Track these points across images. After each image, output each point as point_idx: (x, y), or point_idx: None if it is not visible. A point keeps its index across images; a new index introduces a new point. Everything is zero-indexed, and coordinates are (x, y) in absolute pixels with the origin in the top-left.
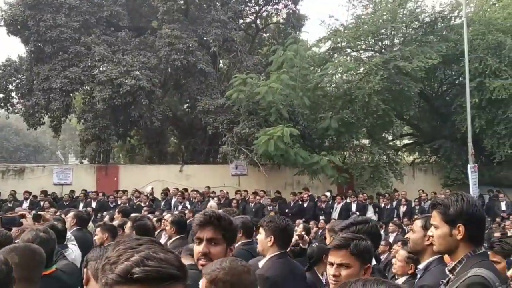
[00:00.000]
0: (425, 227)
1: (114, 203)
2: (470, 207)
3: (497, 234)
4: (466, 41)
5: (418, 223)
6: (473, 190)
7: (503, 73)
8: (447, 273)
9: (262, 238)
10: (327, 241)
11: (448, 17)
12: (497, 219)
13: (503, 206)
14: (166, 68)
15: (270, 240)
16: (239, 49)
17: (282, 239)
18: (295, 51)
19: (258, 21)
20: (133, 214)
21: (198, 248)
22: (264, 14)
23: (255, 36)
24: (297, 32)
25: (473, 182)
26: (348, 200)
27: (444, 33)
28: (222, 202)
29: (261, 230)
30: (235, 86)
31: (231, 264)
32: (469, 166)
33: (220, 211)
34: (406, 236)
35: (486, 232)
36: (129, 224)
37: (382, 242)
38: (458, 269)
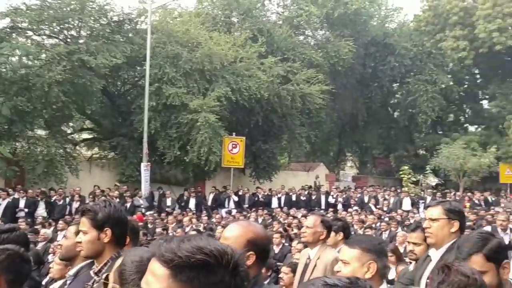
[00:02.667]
0: None
1: None
2: (116, 212)
3: (158, 230)
4: (149, 47)
5: (71, 229)
6: (145, 187)
7: (178, 82)
8: (92, 275)
9: None
10: None
11: (135, 20)
12: (162, 214)
13: (168, 202)
14: None
15: None
16: None
17: None
18: None
19: None
20: None
21: None
22: None
23: None
24: None
25: (145, 179)
26: (16, 196)
27: (130, 35)
28: None
29: None
30: None
31: None
32: (142, 164)
33: None
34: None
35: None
36: None
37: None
38: (103, 271)
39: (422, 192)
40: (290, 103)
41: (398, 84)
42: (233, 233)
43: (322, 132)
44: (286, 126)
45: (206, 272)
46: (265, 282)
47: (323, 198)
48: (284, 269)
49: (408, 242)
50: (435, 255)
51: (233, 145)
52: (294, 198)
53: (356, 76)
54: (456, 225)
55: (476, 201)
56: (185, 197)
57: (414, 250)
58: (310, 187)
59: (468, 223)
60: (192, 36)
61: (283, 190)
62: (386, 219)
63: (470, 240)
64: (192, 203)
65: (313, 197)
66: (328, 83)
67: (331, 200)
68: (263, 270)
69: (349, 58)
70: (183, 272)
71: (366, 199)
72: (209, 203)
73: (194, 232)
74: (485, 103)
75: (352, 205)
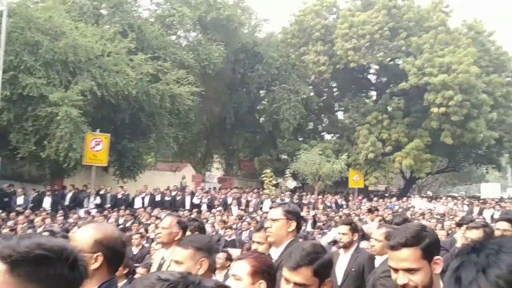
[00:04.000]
0: None
1: None
2: None
3: (5, 231)
4: (4, 31)
5: None
6: None
7: (37, 71)
8: None
9: None
10: None
11: None
12: (12, 214)
13: (20, 200)
14: None
15: None
16: None
17: None
18: None
19: None
20: None
21: None
22: None
23: None
24: None
25: None
26: None
27: None
28: None
29: None
30: None
31: None
32: None
33: None
34: None
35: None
36: None
37: None
38: None
39: (282, 194)
40: (159, 102)
41: (265, 91)
42: (80, 234)
43: (190, 133)
44: (154, 125)
45: (45, 267)
46: (122, 283)
47: (188, 198)
48: (140, 270)
49: (253, 242)
50: (275, 253)
51: (96, 142)
52: (158, 198)
53: (226, 80)
54: (293, 225)
55: (328, 204)
56: (39, 196)
57: (257, 249)
58: (176, 187)
59: (319, 224)
60: (55, 24)
61: (147, 190)
62: (248, 219)
63: (300, 250)
64: (47, 202)
65: (178, 198)
66: (198, 85)
67: (195, 200)
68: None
69: (219, 62)
70: (21, 267)
71: (229, 200)
72: (67, 202)
73: (46, 233)
74: (340, 114)
75: (216, 206)
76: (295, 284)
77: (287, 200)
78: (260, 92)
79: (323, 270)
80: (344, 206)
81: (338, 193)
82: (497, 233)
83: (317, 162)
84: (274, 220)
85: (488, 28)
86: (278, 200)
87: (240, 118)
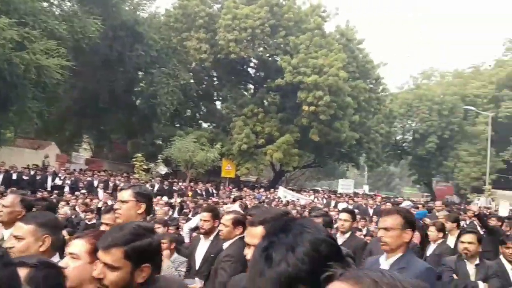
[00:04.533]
0: None
1: None
2: None
3: None
4: None
5: None
6: None
7: None
8: None
9: None
10: None
11: None
12: None
13: None
14: None
15: None
16: None
17: None
18: None
19: None
20: None
21: None
22: None
23: None
24: None
25: None
26: None
27: None
28: None
29: None
30: None
31: None
32: None
33: None
34: None
35: None
36: None
37: None
38: None
39: (152, 180)
40: (22, 73)
41: (143, 73)
42: None
43: (57, 109)
44: (16, 97)
45: None
46: None
47: (49, 179)
48: None
49: (101, 223)
50: None
51: None
52: (14, 177)
53: (102, 57)
54: (143, 207)
55: (199, 191)
56: None
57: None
58: (37, 166)
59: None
60: None
61: (2, 168)
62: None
63: (117, 230)
64: None
65: (38, 177)
66: (70, 59)
67: (58, 181)
68: None
69: (95, 37)
70: None
71: (95, 183)
72: None
73: None
74: (218, 104)
75: (80, 188)
76: (105, 264)
77: (157, 185)
78: (139, 73)
79: (138, 255)
80: (215, 195)
81: (211, 181)
82: (339, 223)
83: (191, 149)
84: (123, 201)
85: (358, 36)
86: (148, 186)
87: (115, 98)
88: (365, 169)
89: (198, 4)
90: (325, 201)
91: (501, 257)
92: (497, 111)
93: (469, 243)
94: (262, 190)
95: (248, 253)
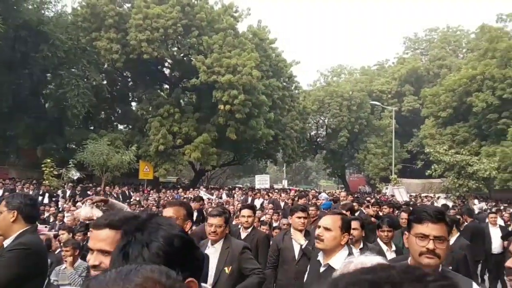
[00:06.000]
0: None
1: None
2: None
3: None
4: None
5: None
6: None
7: None
8: None
9: None
10: None
11: None
12: None
13: None
14: None
15: None
16: None
17: None
18: None
19: None
20: None
21: None
22: None
23: None
24: None
25: None
26: None
27: None
28: None
29: None
30: None
31: None
32: None
33: None
34: None
35: None
36: None
37: None
38: None
39: (65, 186)
40: None
41: (50, 74)
42: None
43: None
44: None
45: None
46: None
47: None
48: None
49: None
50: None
51: None
52: None
53: (3, 58)
54: (15, 214)
55: (115, 195)
56: None
57: None
58: None
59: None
60: None
61: None
62: None
63: None
64: None
65: None
66: None
67: None
68: None
69: None
70: None
71: (0, 192)
72: None
73: None
74: (134, 105)
75: None
76: None
77: (68, 191)
78: (46, 75)
79: None
80: (132, 198)
81: (128, 184)
82: (242, 219)
83: (105, 152)
84: None
85: (270, 35)
86: (59, 192)
87: (20, 101)
88: (283, 165)
89: (107, 3)
90: (243, 197)
91: (378, 239)
92: (400, 105)
93: (354, 229)
94: (180, 190)
95: (90, 259)
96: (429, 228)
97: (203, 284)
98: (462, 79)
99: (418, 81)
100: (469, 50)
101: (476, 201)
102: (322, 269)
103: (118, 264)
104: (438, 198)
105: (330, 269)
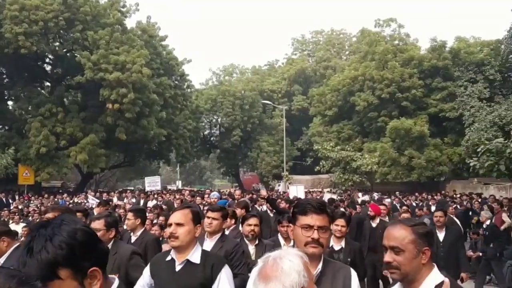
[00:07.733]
0: None
1: None
2: None
3: None
4: None
5: None
6: None
7: None
8: None
9: None
10: None
11: None
12: None
13: None
14: None
15: None
16: None
17: None
18: None
19: None
20: None
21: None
22: None
23: None
24: None
25: None
26: None
27: None
28: None
29: None
30: None
31: None
32: None
33: None
34: None
35: None
36: None
37: None
38: None
39: None
40: None
41: None
42: None
43: None
44: None
45: None
46: None
47: None
48: None
49: None
50: None
51: None
52: None
53: None
54: None
55: None
56: None
57: None
58: None
59: None
60: None
61: None
62: None
63: None
64: None
65: None
66: None
67: None
68: None
69: None
70: None
71: None
72: None
73: None
74: (10, 104)
75: None
76: None
77: None
78: None
79: None
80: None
81: (7, 191)
82: (127, 222)
83: None
84: None
85: (161, 32)
86: None
87: None
88: (177, 165)
89: None
90: (134, 200)
91: (279, 235)
92: (290, 104)
93: (255, 225)
94: (65, 195)
95: None
96: (313, 219)
97: (110, 276)
98: (345, 79)
99: (306, 81)
100: (351, 52)
101: (360, 194)
102: (179, 267)
103: (23, 259)
104: (324, 192)
105: (189, 264)
